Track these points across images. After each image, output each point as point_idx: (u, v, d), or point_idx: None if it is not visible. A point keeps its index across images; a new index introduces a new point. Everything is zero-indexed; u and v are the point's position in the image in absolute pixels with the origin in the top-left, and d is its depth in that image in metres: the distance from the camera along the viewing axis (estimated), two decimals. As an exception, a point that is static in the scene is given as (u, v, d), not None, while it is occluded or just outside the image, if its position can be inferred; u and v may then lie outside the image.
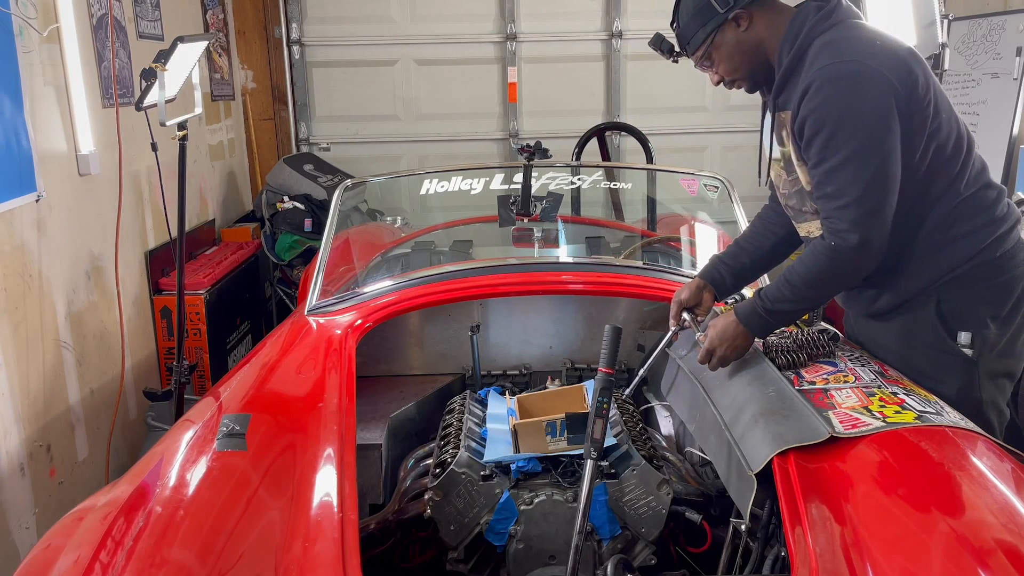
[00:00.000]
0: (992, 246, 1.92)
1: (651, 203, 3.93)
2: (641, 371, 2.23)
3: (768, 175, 2.16)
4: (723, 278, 2.21)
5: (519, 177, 3.17)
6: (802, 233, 2.11)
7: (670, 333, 2.18)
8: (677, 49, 2.09)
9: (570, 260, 3.06)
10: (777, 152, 2.08)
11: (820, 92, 1.83)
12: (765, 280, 2.73)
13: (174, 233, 3.35)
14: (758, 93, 2.13)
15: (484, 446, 2.06)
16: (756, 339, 2.05)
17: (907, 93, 1.83)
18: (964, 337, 1.93)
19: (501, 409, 2.28)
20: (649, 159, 4.72)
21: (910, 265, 1.96)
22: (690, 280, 2.23)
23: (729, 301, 2.36)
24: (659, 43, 2.11)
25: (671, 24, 2.08)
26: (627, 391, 2.32)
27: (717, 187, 3.21)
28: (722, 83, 2.08)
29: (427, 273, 2.70)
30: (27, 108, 2.85)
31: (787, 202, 2.12)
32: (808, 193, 2.00)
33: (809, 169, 1.92)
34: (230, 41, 5.54)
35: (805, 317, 2.17)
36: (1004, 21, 4.49)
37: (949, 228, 1.93)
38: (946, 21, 4.08)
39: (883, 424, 1.64)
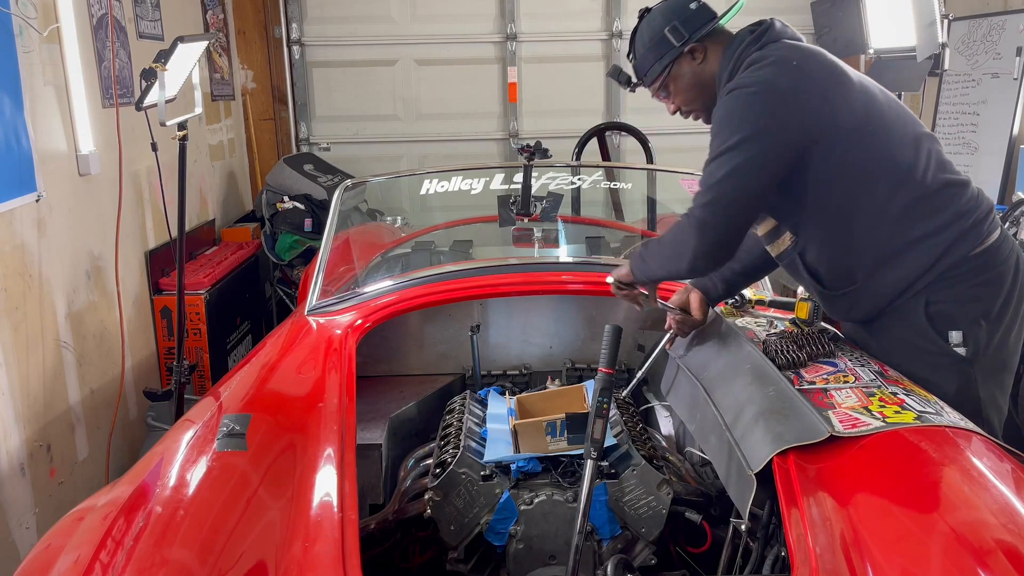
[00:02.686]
0: (961, 242, 1.90)
1: (651, 203, 3.93)
2: (640, 372, 2.23)
3: None
4: (714, 285, 2.24)
5: (519, 177, 3.17)
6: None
7: (663, 341, 2.23)
8: (635, 80, 2.15)
9: (570, 260, 3.06)
10: None
11: (728, 99, 1.91)
12: (766, 283, 2.73)
13: (174, 233, 3.35)
14: None
15: (484, 446, 2.06)
16: (752, 338, 2.06)
17: (810, 112, 1.87)
18: (956, 336, 1.92)
19: (501, 409, 2.28)
20: (649, 159, 4.72)
21: (873, 273, 1.95)
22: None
23: (728, 303, 2.36)
24: (617, 74, 2.19)
25: (628, 55, 2.14)
26: (626, 392, 2.32)
27: (717, 187, 3.20)
28: (679, 112, 2.15)
29: (427, 273, 2.70)
30: (27, 108, 2.85)
31: None
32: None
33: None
34: (230, 41, 5.54)
35: (803, 316, 2.16)
36: (1004, 21, 4.49)
37: (906, 231, 1.91)
38: (946, 21, 4.08)
39: (883, 424, 1.64)
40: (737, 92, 1.89)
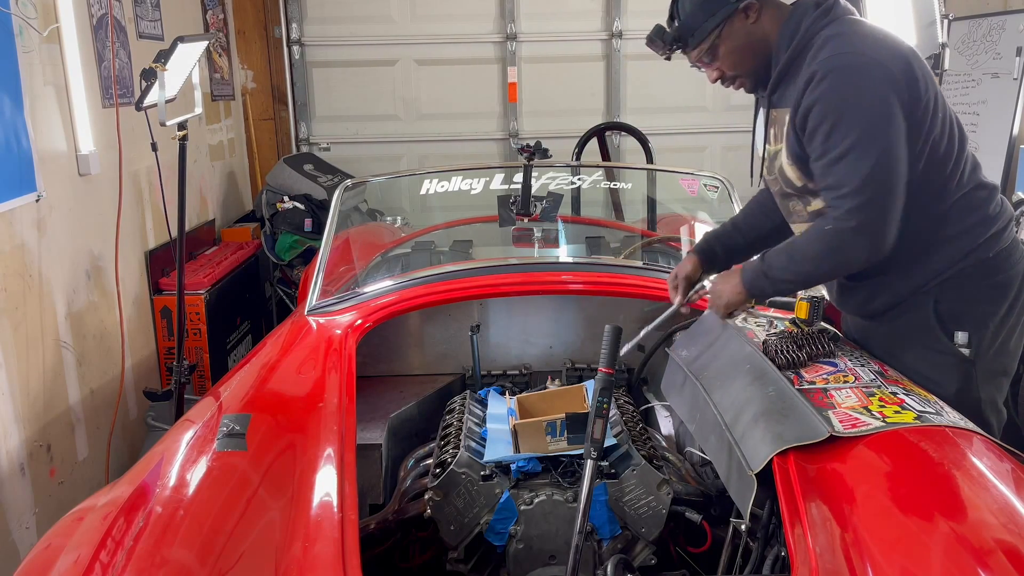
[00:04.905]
0: (985, 245, 1.91)
1: (651, 203, 3.93)
2: (636, 339, 2.23)
3: (761, 174, 2.15)
4: (716, 254, 2.22)
5: (519, 177, 3.17)
6: (796, 233, 2.10)
7: (673, 308, 2.20)
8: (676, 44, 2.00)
9: (570, 260, 3.06)
10: (763, 151, 2.08)
11: (822, 83, 1.81)
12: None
13: (174, 233, 3.35)
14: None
15: (484, 446, 2.06)
16: (759, 334, 2.04)
17: (908, 89, 1.82)
18: (961, 337, 1.92)
19: (501, 409, 2.28)
20: (649, 159, 4.72)
21: (901, 266, 1.95)
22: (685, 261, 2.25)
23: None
24: (660, 34, 1.99)
25: (669, 21, 2.01)
26: (630, 345, 2.21)
27: (717, 187, 3.21)
28: (720, 80, 2.04)
29: (427, 273, 2.70)
30: (27, 108, 2.85)
31: (777, 201, 2.12)
32: (793, 193, 1.99)
33: (812, 162, 1.89)
34: (230, 41, 5.54)
35: (803, 316, 2.16)
36: (1004, 21, 4.49)
37: (941, 228, 1.92)
38: (946, 21, 4.08)
39: (883, 424, 1.64)
40: (844, 71, 1.80)
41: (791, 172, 1.97)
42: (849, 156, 1.79)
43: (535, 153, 3.05)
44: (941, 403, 1.79)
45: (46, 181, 2.95)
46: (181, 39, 2.79)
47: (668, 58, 2.06)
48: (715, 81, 2.04)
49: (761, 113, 2.09)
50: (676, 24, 1.98)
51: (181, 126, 2.98)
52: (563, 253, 3.29)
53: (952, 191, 1.92)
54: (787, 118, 1.94)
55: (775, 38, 1.95)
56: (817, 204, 1.98)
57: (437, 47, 5.69)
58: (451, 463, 1.94)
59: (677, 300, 2.20)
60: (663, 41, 1.99)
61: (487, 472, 1.92)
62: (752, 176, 2.21)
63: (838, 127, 1.80)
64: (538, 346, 2.74)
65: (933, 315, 1.93)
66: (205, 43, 3.13)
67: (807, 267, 1.93)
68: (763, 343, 2.03)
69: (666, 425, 2.45)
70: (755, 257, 2.05)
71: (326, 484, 1.61)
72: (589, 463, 1.68)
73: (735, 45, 1.95)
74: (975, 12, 4.76)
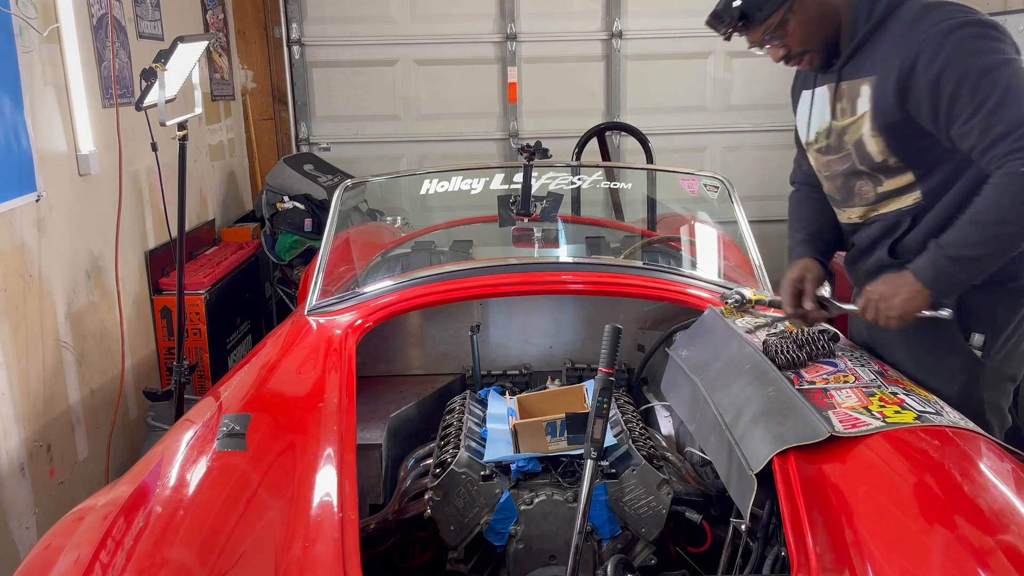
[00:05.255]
0: None
1: (651, 203, 3.93)
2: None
3: (817, 149, 2.05)
4: (823, 244, 2.09)
5: (519, 177, 3.17)
6: (843, 219, 2.06)
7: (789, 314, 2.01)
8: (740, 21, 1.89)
9: (570, 260, 3.06)
10: (819, 127, 2.00)
11: (948, 45, 1.74)
12: (766, 283, 2.73)
13: (174, 233, 3.35)
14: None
15: (484, 446, 2.06)
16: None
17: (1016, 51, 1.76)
18: (977, 339, 1.89)
19: (501, 409, 2.28)
20: (649, 159, 4.72)
21: None
22: (795, 266, 2.06)
23: (728, 302, 2.36)
24: (727, 8, 1.87)
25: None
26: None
27: (717, 187, 3.21)
28: (786, 60, 1.95)
29: (427, 273, 2.70)
30: (27, 108, 2.85)
31: (831, 184, 2.05)
32: (864, 171, 1.92)
33: (960, 125, 1.76)
34: (230, 41, 5.53)
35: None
36: (1004, 21, 4.49)
37: None
38: (946, 21, 4.07)
39: (883, 424, 1.64)
40: (964, 31, 1.74)
41: (873, 145, 1.90)
42: (1009, 98, 1.69)
43: (535, 153, 3.05)
44: (941, 403, 1.79)
45: (46, 181, 2.95)
46: (181, 39, 2.80)
47: (728, 38, 1.94)
48: (780, 60, 1.95)
49: (820, 91, 2.00)
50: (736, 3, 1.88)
51: (181, 126, 2.98)
52: (563, 253, 3.29)
53: None
54: (865, 88, 1.88)
55: (847, 9, 1.89)
56: (891, 184, 1.91)
57: (437, 47, 5.69)
58: (451, 463, 1.94)
59: (806, 305, 1.98)
60: (731, 16, 1.88)
61: (487, 472, 1.92)
62: (801, 164, 2.14)
63: (983, 80, 1.71)
64: (538, 346, 2.74)
65: (956, 312, 1.88)
66: (205, 43, 3.13)
67: (1010, 226, 1.73)
68: (763, 343, 2.03)
69: (666, 425, 2.45)
70: (923, 254, 1.83)
71: (326, 484, 1.61)
72: (589, 463, 1.68)
73: (806, 18, 1.87)
74: (975, 12, 4.76)
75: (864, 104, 1.90)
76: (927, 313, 1.83)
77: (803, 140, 2.13)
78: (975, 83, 1.72)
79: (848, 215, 2.04)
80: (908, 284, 1.82)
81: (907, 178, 1.91)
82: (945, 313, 1.82)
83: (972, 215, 1.76)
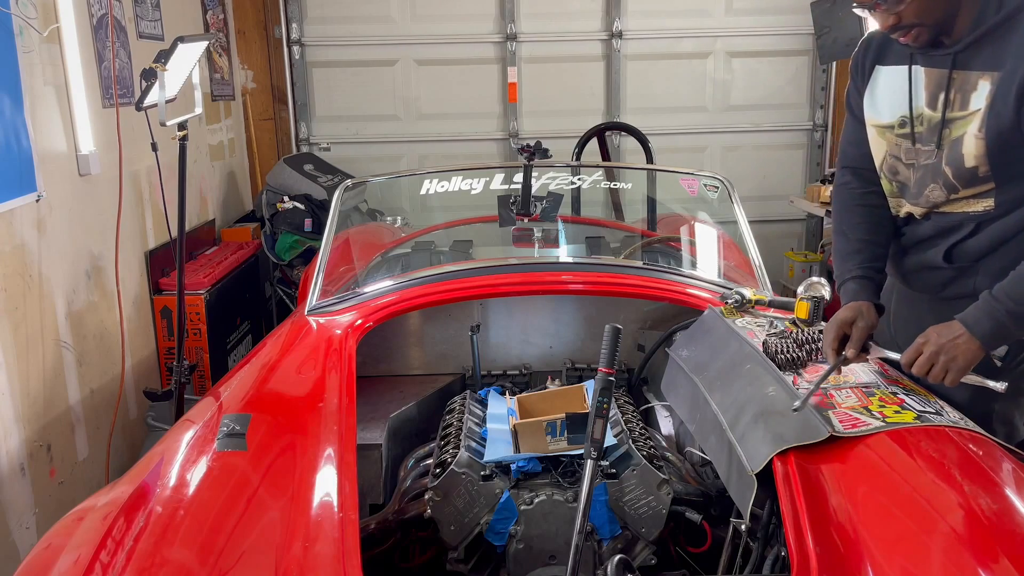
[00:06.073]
0: None
1: (651, 203, 3.93)
2: (808, 395, 1.87)
3: (914, 138, 1.90)
4: (880, 283, 1.97)
5: (519, 177, 3.16)
6: (898, 211, 1.96)
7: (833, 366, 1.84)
8: None
9: (570, 260, 3.06)
10: (908, 112, 1.86)
11: None
12: (766, 283, 2.73)
13: (174, 233, 3.35)
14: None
15: (484, 446, 2.06)
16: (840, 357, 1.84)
17: None
18: (1000, 349, 1.80)
19: (501, 409, 2.28)
20: (649, 159, 4.73)
21: (1012, 264, 1.75)
22: (849, 308, 1.90)
23: (728, 302, 2.36)
24: None
25: None
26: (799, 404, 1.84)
27: (717, 187, 3.21)
28: (892, 29, 1.79)
29: (427, 273, 2.70)
30: (27, 108, 2.85)
31: (902, 175, 1.92)
32: (949, 175, 1.81)
33: None
34: (230, 41, 5.54)
35: (803, 316, 2.12)
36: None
37: None
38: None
39: (883, 424, 1.64)
40: None
41: (973, 147, 1.77)
42: None
43: (535, 153, 3.05)
44: (941, 403, 1.78)
45: (46, 181, 2.95)
46: (181, 39, 2.80)
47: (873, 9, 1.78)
48: (886, 28, 1.80)
49: (910, 71, 1.85)
50: None
51: (181, 126, 2.99)
52: (563, 253, 3.28)
53: None
54: (984, 84, 1.75)
55: None
56: (967, 192, 1.80)
57: (437, 47, 5.69)
58: (451, 463, 1.94)
59: (848, 353, 1.84)
60: None
61: (487, 472, 1.92)
62: (860, 145, 1.99)
63: None
64: (538, 346, 2.74)
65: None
66: (205, 43, 3.13)
67: None
68: (763, 343, 2.03)
69: (666, 425, 2.45)
70: (976, 304, 1.73)
71: (326, 484, 1.61)
72: (589, 463, 1.68)
73: None
74: (975, 12, 4.76)
75: (979, 100, 1.75)
76: (981, 381, 1.71)
77: (876, 120, 1.95)
78: None
79: (908, 209, 1.91)
80: (965, 340, 1.70)
81: (987, 186, 1.80)
82: (1000, 387, 1.69)
83: None
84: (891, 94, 1.91)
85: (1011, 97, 1.71)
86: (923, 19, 1.76)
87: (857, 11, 1.82)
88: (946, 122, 1.81)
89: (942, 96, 1.80)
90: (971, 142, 1.78)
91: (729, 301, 2.36)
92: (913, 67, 1.86)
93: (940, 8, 1.75)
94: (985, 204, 1.82)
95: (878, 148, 1.97)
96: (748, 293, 2.36)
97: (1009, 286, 1.70)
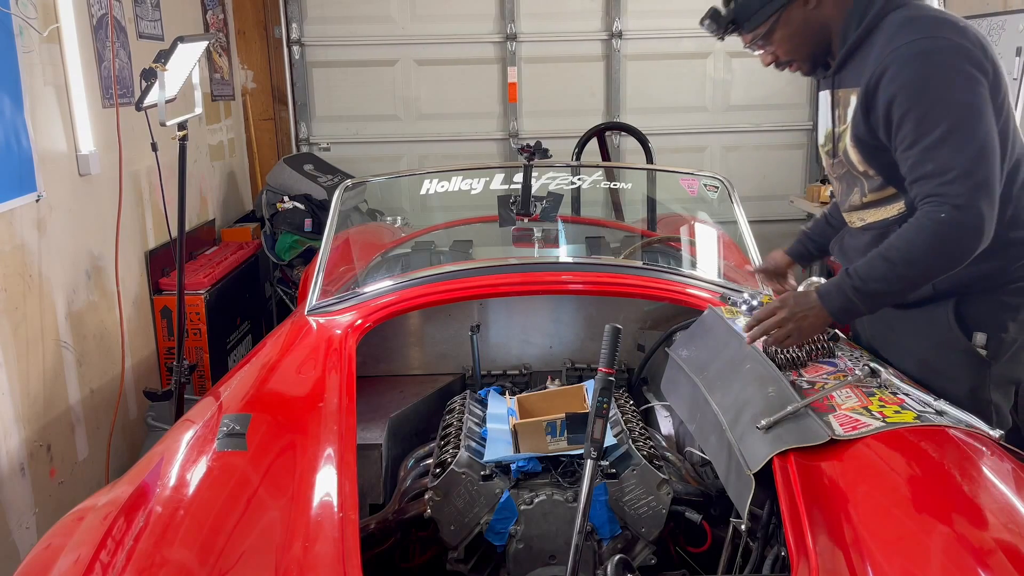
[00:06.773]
0: None
1: (651, 203, 3.93)
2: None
3: (832, 155, 2.06)
4: (808, 251, 2.24)
5: (519, 177, 3.17)
6: (848, 222, 2.07)
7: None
8: (731, 26, 1.94)
9: (570, 260, 3.06)
10: (825, 130, 2.02)
11: (908, 68, 1.74)
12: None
13: (174, 233, 3.35)
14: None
15: (484, 446, 2.06)
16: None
17: (991, 75, 1.76)
18: (980, 338, 1.88)
19: (501, 409, 2.28)
20: (649, 159, 4.73)
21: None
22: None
23: (729, 302, 2.36)
24: (715, 16, 1.93)
25: (725, 2, 1.95)
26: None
27: (717, 187, 3.21)
28: (775, 65, 1.99)
29: (427, 273, 2.70)
30: (27, 108, 2.85)
31: (835, 187, 2.06)
32: (856, 175, 1.94)
33: (901, 152, 1.78)
34: (230, 41, 5.54)
35: None
36: (1004, 21, 4.49)
37: (1007, 232, 1.82)
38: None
39: (883, 424, 1.64)
40: (928, 56, 1.73)
41: (853, 155, 1.93)
42: (951, 139, 1.69)
43: (535, 153, 3.05)
44: (941, 402, 1.78)
45: (46, 181, 2.95)
46: (181, 39, 2.79)
47: (721, 38, 1.99)
48: (768, 64, 1.99)
49: (824, 95, 2.02)
50: (732, 6, 1.93)
51: (181, 126, 2.98)
52: (563, 253, 3.28)
53: (1012, 192, 1.84)
54: (853, 99, 1.89)
55: (839, 22, 1.90)
56: (874, 195, 1.93)
57: (437, 47, 5.69)
58: (451, 463, 1.94)
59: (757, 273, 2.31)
60: (717, 24, 1.94)
61: (487, 472, 1.92)
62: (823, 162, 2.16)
63: (931, 112, 1.71)
64: (538, 346, 2.74)
65: (953, 313, 1.89)
66: (205, 43, 3.13)
67: (917, 268, 1.77)
68: (763, 343, 2.03)
69: (666, 425, 2.45)
70: (833, 278, 1.90)
71: (326, 484, 1.61)
72: (589, 463, 1.68)
73: (792, 31, 1.91)
74: (975, 12, 4.76)
75: (850, 113, 1.91)
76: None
77: (819, 142, 2.12)
78: (923, 114, 1.73)
79: (850, 219, 2.06)
80: (816, 311, 1.88)
81: (889, 190, 1.93)
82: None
83: (885, 250, 1.81)
84: (821, 117, 2.08)
85: (859, 108, 1.86)
86: (793, 56, 1.96)
87: (747, 47, 1.99)
88: (838, 136, 1.98)
89: (836, 113, 1.97)
90: (851, 151, 1.94)
91: (729, 302, 2.36)
92: (821, 92, 2.05)
93: (805, 45, 1.94)
94: (898, 207, 1.92)
95: (824, 163, 2.13)
96: (755, 301, 2.34)
97: (862, 266, 1.83)
